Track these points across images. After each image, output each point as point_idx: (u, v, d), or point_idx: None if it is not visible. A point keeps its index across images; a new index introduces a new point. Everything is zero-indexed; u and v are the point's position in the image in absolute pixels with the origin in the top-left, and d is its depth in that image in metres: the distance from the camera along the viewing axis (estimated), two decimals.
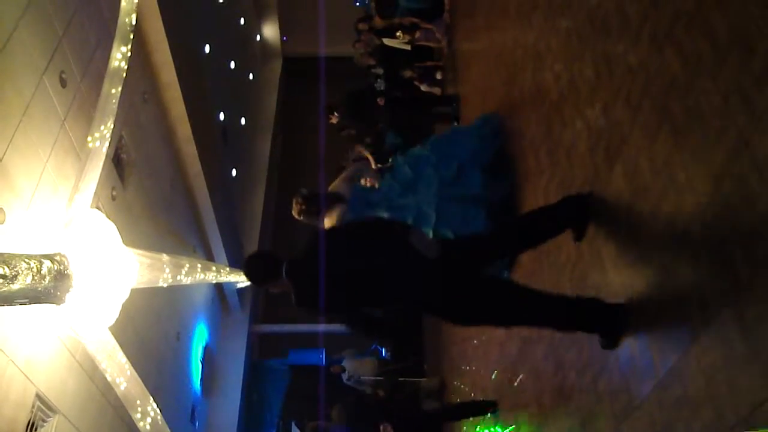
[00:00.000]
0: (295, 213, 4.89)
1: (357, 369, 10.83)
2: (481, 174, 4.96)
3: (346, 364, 10.96)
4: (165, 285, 5.67)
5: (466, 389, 7.05)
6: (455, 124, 8.22)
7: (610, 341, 2.99)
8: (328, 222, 4.75)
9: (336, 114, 9.39)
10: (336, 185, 5.00)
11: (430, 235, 4.62)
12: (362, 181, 5.13)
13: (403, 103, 9.81)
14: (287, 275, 3.29)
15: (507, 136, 5.14)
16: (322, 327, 13.85)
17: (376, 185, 5.06)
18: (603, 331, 3.02)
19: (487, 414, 5.34)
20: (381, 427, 6.48)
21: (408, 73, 10.35)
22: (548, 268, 4.04)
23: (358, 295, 3.26)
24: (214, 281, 9.10)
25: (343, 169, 11.53)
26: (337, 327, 13.65)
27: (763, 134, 2.00)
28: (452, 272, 3.14)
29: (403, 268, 3.15)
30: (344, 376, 10.87)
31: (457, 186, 4.84)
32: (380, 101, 9.19)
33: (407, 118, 10.10)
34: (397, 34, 10.28)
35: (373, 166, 5.10)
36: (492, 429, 5.34)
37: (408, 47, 10.46)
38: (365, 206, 4.84)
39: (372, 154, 11.07)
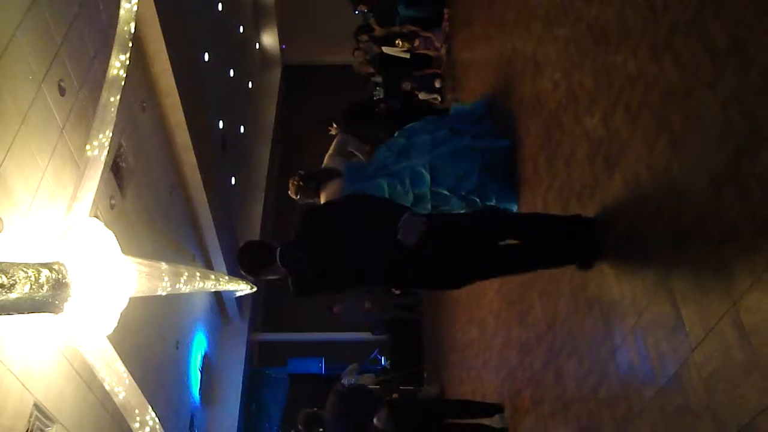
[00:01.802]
0: (292, 193, 4.85)
1: (356, 380, 10.82)
2: (471, 125, 5.01)
3: (345, 380, 10.95)
4: (164, 294, 5.65)
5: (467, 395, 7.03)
6: None
7: (588, 257, 3.19)
8: (325, 198, 4.73)
9: (335, 126, 9.43)
10: (327, 162, 4.97)
11: (428, 194, 4.62)
12: (349, 149, 5.13)
13: (403, 115, 9.84)
14: (281, 260, 3.26)
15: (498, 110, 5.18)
16: (321, 336, 13.83)
17: (362, 157, 5.05)
18: (582, 246, 3.21)
19: (490, 415, 5.30)
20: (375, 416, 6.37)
21: (407, 85, 10.38)
22: (547, 278, 4.03)
23: (352, 275, 3.29)
24: (213, 289, 9.08)
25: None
26: (336, 335, 13.67)
27: (762, 143, 2.00)
28: (433, 253, 3.16)
29: (385, 252, 3.16)
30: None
31: (448, 143, 4.83)
32: (383, 106, 9.24)
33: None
34: (397, 42, 10.31)
35: (360, 155, 5.07)
36: None
37: (407, 56, 10.49)
38: (361, 178, 4.80)
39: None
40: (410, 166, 4.75)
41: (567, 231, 3.30)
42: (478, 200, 4.61)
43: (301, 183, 4.78)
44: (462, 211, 4.63)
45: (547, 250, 3.35)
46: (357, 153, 5.07)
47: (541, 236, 3.37)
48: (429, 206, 4.61)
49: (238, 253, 3.50)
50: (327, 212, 3.54)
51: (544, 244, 3.36)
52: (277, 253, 3.27)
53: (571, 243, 3.28)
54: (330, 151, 5.03)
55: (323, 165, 4.96)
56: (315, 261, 3.24)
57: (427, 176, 4.65)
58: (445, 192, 4.62)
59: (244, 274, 3.58)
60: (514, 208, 4.61)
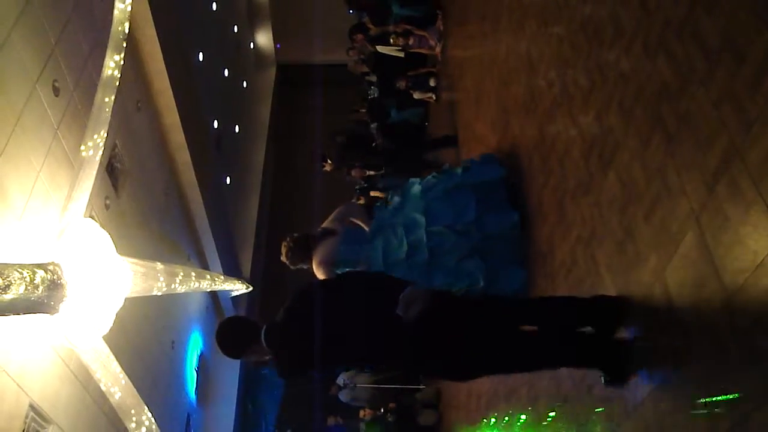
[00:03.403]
0: (283, 257, 4.59)
1: (352, 378, 10.83)
2: (462, 164, 4.85)
3: (340, 380, 10.96)
4: (159, 294, 5.65)
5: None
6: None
7: (616, 379, 2.81)
8: (317, 259, 4.53)
9: (329, 162, 9.43)
10: (326, 225, 4.78)
11: (424, 238, 4.40)
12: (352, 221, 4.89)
13: (400, 149, 9.84)
14: (267, 340, 3.02)
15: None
16: None
17: (365, 227, 4.84)
18: (609, 369, 2.85)
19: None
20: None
21: (402, 84, 10.39)
22: (543, 276, 4.04)
23: (347, 355, 3.04)
24: (208, 289, 9.07)
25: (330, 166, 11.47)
26: None
27: (754, 140, 2.01)
28: (434, 333, 2.87)
29: (382, 332, 2.89)
30: (341, 395, 10.87)
31: (439, 184, 4.68)
32: (380, 141, 9.29)
33: (402, 163, 10.11)
34: (391, 39, 10.33)
35: (365, 226, 4.83)
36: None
37: (402, 54, 10.50)
38: (357, 241, 4.60)
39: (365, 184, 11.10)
40: (404, 215, 4.60)
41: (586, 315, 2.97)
42: (477, 233, 4.34)
43: (292, 245, 4.56)
44: (460, 255, 4.33)
45: (568, 347, 2.98)
46: (361, 224, 4.85)
47: (557, 319, 3.04)
48: (426, 254, 4.36)
49: (217, 330, 3.20)
50: (322, 290, 3.24)
51: (563, 339, 3.01)
52: (262, 333, 3.04)
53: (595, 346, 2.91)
54: (330, 217, 4.81)
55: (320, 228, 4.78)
56: (306, 342, 2.94)
57: (422, 219, 4.46)
58: (442, 228, 4.39)
59: (223, 353, 3.25)
60: (515, 218, 4.32)
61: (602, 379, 2.88)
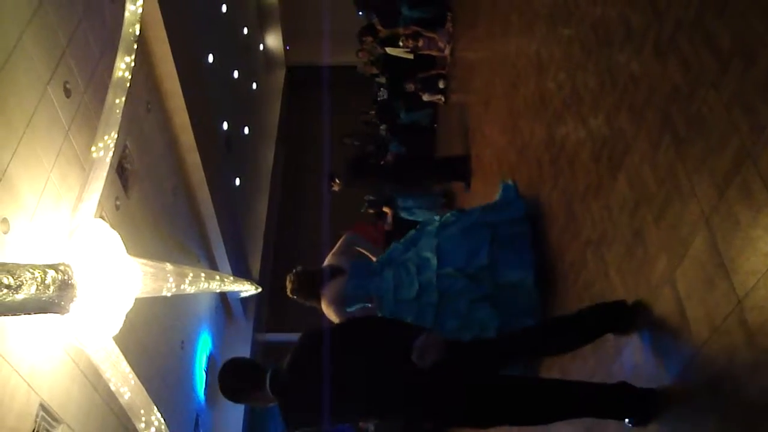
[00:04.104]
0: (288, 292, 4.45)
1: None
2: (481, 208, 4.59)
3: None
4: (169, 294, 5.67)
5: None
6: (465, 186, 7.69)
7: (641, 421, 2.72)
8: (326, 300, 4.36)
9: (337, 181, 9.40)
10: (331, 260, 4.63)
11: (434, 280, 4.20)
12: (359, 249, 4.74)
13: (409, 167, 9.75)
14: (272, 386, 2.90)
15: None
16: None
17: (372, 258, 4.71)
18: (634, 417, 2.74)
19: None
20: None
21: (410, 87, 10.40)
22: (555, 277, 4.03)
23: (358, 407, 2.89)
24: (218, 290, 9.10)
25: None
26: None
27: (766, 143, 2.00)
28: (453, 379, 2.76)
29: (394, 379, 2.76)
30: None
31: (456, 224, 4.46)
32: (389, 157, 9.24)
33: (412, 179, 10.03)
34: (401, 41, 10.35)
35: (371, 255, 4.66)
36: None
37: (411, 56, 10.51)
38: (366, 275, 4.41)
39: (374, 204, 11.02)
40: (416, 253, 4.40)
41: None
42: (489, 280, 4.12)
43: (296, 285, 4.40)
44: (471, 299, 4.12)
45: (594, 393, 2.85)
46: (366, 253, 4.67)
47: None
48: (435, 297, 4.17)
49: (220, 372, 3.05)
50: (331, 336, 3.09)
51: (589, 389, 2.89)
52: (268, 377, 2.91)
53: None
54: (334, 250, 4.68)
55: (326, 263, 4.53)
56: (313, 391, 2.80)
57: (434, 260, 4.25)
58: (452, 271, 4.18)
59: (224, 396, 3.11)
60: (530, 277, 4.10)
61: (628, 422, 2.79)
